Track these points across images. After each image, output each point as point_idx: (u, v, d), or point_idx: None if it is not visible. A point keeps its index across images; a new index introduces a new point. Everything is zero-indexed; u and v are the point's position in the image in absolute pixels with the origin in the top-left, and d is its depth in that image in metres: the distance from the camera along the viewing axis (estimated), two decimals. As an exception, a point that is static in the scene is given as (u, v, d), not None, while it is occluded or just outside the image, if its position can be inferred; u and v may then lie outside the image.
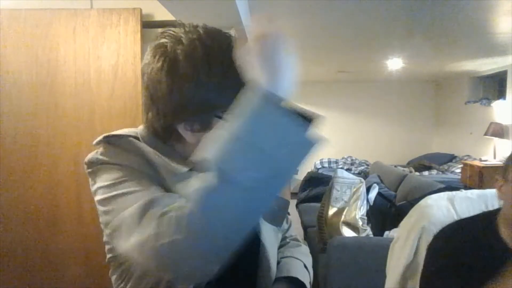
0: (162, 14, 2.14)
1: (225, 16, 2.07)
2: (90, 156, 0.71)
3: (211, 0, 1.84)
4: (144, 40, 2.13)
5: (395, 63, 5.32)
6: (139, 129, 0.76)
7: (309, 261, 0.93)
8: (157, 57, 0.69)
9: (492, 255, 0.89)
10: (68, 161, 2.11)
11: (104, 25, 2.09)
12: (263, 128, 0.52)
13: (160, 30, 0.74)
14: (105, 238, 0.72)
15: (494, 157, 5.23)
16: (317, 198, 3.69)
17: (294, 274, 0.84)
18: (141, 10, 2.10)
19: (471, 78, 6.11)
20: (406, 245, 1.39)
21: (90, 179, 0.70)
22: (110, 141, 0.70)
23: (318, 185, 4.43)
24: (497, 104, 5.51)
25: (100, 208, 0.67)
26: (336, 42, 4.17)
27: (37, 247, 2.13)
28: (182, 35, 0.69)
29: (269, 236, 0.83)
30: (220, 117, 0.67)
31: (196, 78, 0.67)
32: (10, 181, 2.11)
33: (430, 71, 6.32)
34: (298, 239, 1.01)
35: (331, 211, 2.84)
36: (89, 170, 0.70)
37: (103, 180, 0.66)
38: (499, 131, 5.11)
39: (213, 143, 0.53)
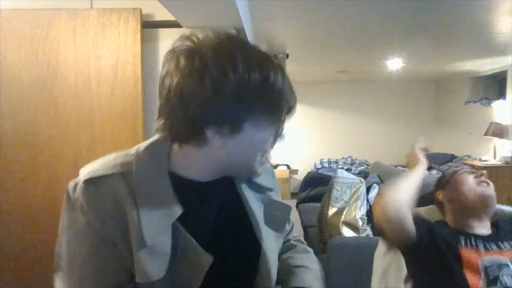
0: (162, 14, 2.14)
1: (225, 16, 2.07)
2: (70, 186, 0.71)
3: (211, 0, 1.84)
4: (144, 40, 2.13)
5: (395, 63, 5.32)
6: (140, 148, 0.74)
7: (318, 269, 0.93)
8: (190, 60, 0.66)
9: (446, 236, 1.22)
10: (68, 161, 2.11)
11: (104, 25, 2.09)
12: None
13: (183, 34, 0.70)
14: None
15: (494, 157, 5.23)
16: (317, 198, 3.68)
17: (312, 285, 0.84)
18: (141, 10, 2.10)
19: (471, 78, 6.11)
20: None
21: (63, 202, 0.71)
22: (89, 185, 0.68)
23: (318, 185, 4.43)
24: (497, 104, 5.51)
25: (59, 233, 0.71)
26: (336, 42, 4.17)
27: (37, 247, 2.12)
28: (208, 43, 0.67)
29: (270, 242, 0.82)
30: (252, 124, 0.68)
31: (240, 82, 0.65)
32: (10, 181, 2.11)
33: (430, 71, 6.32)
34: (302, 241, 1.00)
35: (331, 211, 2.83)
36: (65, 196, 0.71)
37: (66, 223, 0.70)
38: (499, 131, 5.10)
39: None
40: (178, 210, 0.69)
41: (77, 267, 0.68)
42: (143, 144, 0.75)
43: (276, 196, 0.89)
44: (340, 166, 6.41)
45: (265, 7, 2.83)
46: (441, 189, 1.43)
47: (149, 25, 2.17)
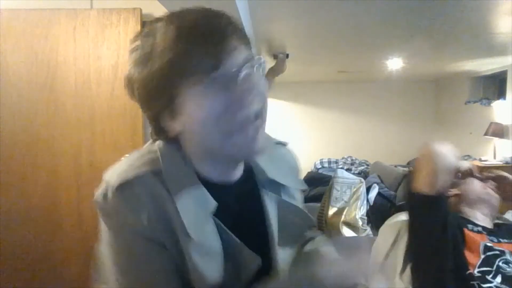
0: (162, 14, 2.14)
1: (225, 16, 2.07)
2: (98, 197, 0.64)
3: (211, 0, 1.84)
4: (144, 40, 2.13)
5: (395, 63, 5.32)
6: (160, 144, 0.69)
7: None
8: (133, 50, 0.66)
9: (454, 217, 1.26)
10: (68, 161, 2.11)
11: (104, 25, 2.09)
12: None
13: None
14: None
15: (494, 157, 5.23)
16: (317, 198, 3.69)
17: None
18: (141, 10, 2.10)
19: (471, 78, 6.10)
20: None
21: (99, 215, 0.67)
22: (123, 190, 0.62)
23: (318, 185, 4.43)
24: (497, 104, 5.51)
25: (105, 251, 0.67)
26: (336, 42, 4.16)
27: (37, 247, 2.13)
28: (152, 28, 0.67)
29: (283, 253, 0.74)
30: (184, 96, 0.61)
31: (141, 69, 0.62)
32: (10, 181, 2.11)
33: (430, 71, 6.32)
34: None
35: (331, 211, 2.84)
36: (97, 208, 0.65)
37: (111, 237, 0.65)
38: (499, 131, 5.10)
39: None
40: (212, 202, 0.64)
41: (132, 277, 0.63)
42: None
43: (298, 197, 0.82)
44: (340, 166, 6.40)
45: (265, 7, 2.83)
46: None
47: (149, 25, 2.17)
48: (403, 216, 1.40)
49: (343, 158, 7.06)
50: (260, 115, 0.64)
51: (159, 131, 0.67)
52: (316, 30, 3.62)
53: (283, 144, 0.85)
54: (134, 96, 0.65)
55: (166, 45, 0.60)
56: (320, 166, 6.73)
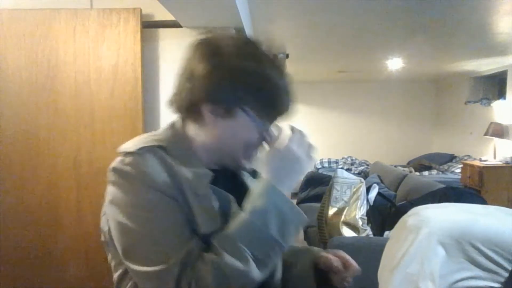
0: (162, 14, 2.14)
1: (225, 16, 2.07)
2: (116, 164, 0.73)
3: (211, 0, 1.84)
4: (144, 40, 2.13)
5: (395, 63, 5.32)
6: (159, 131, 0.81)
7: None
8: (199, 46, 0.77)
9: None
10: (68, 161, 2.11)
11: (104, 25, 2.09)
12: (278, 206, 0.71)
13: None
14: (112, 248, 0.76)
15: (494, 157, 5.23)
16: (317, 198, 3.69)
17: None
18: (141, 10, 2.10)
19: (471, 78, 6.10)
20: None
21: (111, 185, 0.72)
22: (141, 154, 0.72)
23: (318, 185, 4.43)
24: (497, 104, 5.51)
25: (118, 217, 0.70)
26: (336, 42, 4.17)
27: (37, 247, 2.13)
28: (225, 34, 0.79)
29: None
30: (244, 111, 0.74)
31: (238, 68, 0.73)
32: (10, 181, 2.11)
33: (430, 71, 6.32)
34: None
35: (331, 211, 2.83)
36: (114, 178, 0.72)
37: (130, 196, 0.70)
38: (499, 131, 5.10)
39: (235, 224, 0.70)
40: (209, 172, 0.76)
41: (163, 231, 0.69)
42: (160, 130, 0.82)
43: None
44: (340, 166, 6.41)
45: (265, 7, 2.83)
46: None
47: (149, 25, 2.17)
48: (414, 218, 1.36)
49: (343, 158, 7.07)
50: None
51: (189, 112, 0.78)
52: (316, 30, 3.62)
53: None
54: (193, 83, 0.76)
55: (272, 76, 0.75)
56: (320, 166, 6.73)
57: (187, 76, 0.76)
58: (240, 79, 0.73)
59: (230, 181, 0.83)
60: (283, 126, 0.78)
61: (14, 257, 2.12)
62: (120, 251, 0.70)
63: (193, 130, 0.79)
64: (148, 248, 0.67)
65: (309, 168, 0.82)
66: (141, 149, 0.72)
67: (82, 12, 2.09)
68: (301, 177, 0.79)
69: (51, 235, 2.13)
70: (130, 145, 0.74)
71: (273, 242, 0.69)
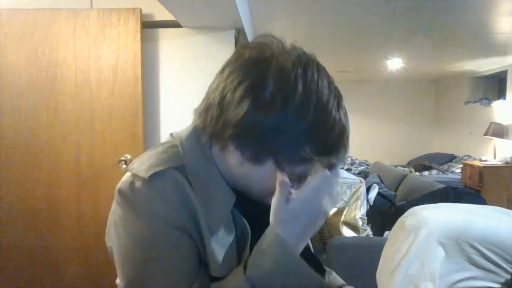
0: (162, 14, 2.14)
1: (225, 16, 2.07)
2: (124, 186, 0.65)
3: (211, 0, 1.83)
4: (144, 40, 2.13)
5: (395, 63, 5.32)
6: (182, 138, 0.70)
7: None
8: (247, 70, 0.62)
9: None
10: (68, 161, 2.11)
11: (104, 25, 2.09)
12: (282, 280, 0.59)
13: (258, 36, 0.67)
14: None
15: (494, 157, 5.23)
16: (317, 198, 3.67)
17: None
18: (141, 10, 2.10)
19: (471, 78, 6.11)
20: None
21: (117, 205, 0.66)
22: (152, 181, 0.63)
23: (318, 185, 4.41)
24: (497, 104, 5.51)
25: (124, 243, 0.65)
26: (336, 42, 4.17)
27: (37, 247, 2.13)
28: (286, 56, 0.63)
29: None
30: (275, 160, 0.62)
31: (283, 109, 0.60)
32: (10, 181, 2.11)
33: (430, 71, 6.32)
34: None
35: (331, 211, 2.84)
36: (121, 201, 0.65)
37: (137, 226, 0.63)
38: (499, 131, 5.10)
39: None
40: (233, 195, 0.68)
41: (168, 269, 0.63)
42: (182, 134, 0.71)
43: None
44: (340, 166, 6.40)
45: (265, 7, 2.83)
46: None
47: (149, 25, 2.17)
48: (412, 219, 1.36)
49: (343, 158, 7.06)
50: None
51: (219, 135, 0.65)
52: (316, 30, 3.62)
53: None
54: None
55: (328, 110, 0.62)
56: (320, 166, 6.72)
57: (222, 98, 0.63)
58: (282, 133, 0.61)
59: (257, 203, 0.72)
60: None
61: (14, 257, 2.12)
62: (122, 281, 0.66)
63: (218, 152, 0.67)
64: (152, 284, 0.63)
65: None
66: (153, 175, 0.63)
67: (82, 12, 2.09)
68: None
69: (51, 235, 2.13)
70: (142, 166, 0.65)
71: None
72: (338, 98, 0.65)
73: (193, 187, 0.65)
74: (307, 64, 0.64)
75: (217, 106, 0.63)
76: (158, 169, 0.64)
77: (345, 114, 0.66)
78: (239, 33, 2.41)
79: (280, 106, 0.60)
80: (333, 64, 5.67)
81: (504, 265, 1.22)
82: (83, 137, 2.11)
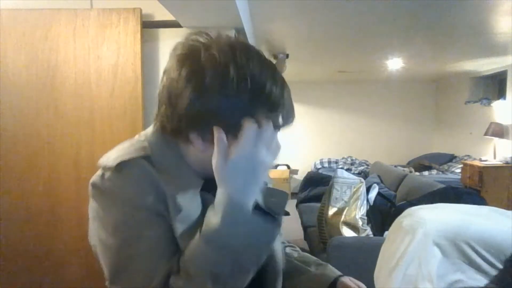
0: (162, 14, 2.14)
1: (225, 16, 2.07)
2: (96, 179, 0.70)
3: (211, 0, 1.84)
4: (144, 40, 2.13)
5: (395, 63, 5.32)
6: (147, 135, 0.75)
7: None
8: (182, 63, 0.67)
9: None
10: (68, 161, 2.11)
11: (104, 25, 2.09)
12: (234, 234, 0.62)
13: (187, 34, 0.72)
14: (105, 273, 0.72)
15: (494, 157, 5.23)
16: (317, 198, 3.69)
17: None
18: (141, 10, 2.10)
19: (471, 78, 6.11)
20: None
21: (91, 200, 0.70)
22: (120, 169, 0.67)
23: (318, 185, 4.43)
24: (497, 104, 5.51)
25: (101, 235, 0.68)
26: (336, 42, 4.17)
27: (37, 247, 2.13)
28: (213, 45, 0.66)
29: (277, 240, 0.81)
30: (232, 136, 0.65)
31: (222, 91, 0.64)
32: (10, 181, 2.11)
33: (430, 71, 6.32)
34: (293, 245, 1.01)
35: (331, 211, 2.84)
36: (94, 194, 0.69)
37: (111, 215, 0.67)
38: (499, 131, 5.10)
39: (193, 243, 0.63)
40: (200, 180, 0.72)
41: (147, 251, 0.66)
42: (148, 131, 0.76)
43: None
44: (340, 166, 6.41)
45: (265, 7, 2.83)
46: None
47: (149, 25, 2.17)
48: (409, 219, 1.36)
49: (343, 158, 7.07)
50: None
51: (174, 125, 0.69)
52: (316, 30, 3.62)
53: None
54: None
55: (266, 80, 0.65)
56: (320, 166, 6.73)
57: (166, 96, 0.68)
58: (230, 103, 0.65)
59: None
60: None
61: (14, 257, 2.12)
62: (106, 274, 0.69)
63: (185, 147, 0.72)
64: (133, 268, 0.65)
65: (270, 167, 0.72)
66: (120, 164, 0.67)
67: (82, 12, 2.09)
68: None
69: (51, 235, 2.13)
70: (110, 158, 0.69)
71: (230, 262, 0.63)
72: (272, 68, 0.68)
73: (160, 175, 0.68)
74: (233, 47, 0.66)
75: (168, 104, 0.68)
76: (125, 158, 0.68)
77: (281, 79, 0.69)
78: (239, 33, 2.41)
79: (218, 86, 0.63)
80: (333, 64, 5.67)
81: (499, 265, 1.22)
82: (83, 137, 2.11)
